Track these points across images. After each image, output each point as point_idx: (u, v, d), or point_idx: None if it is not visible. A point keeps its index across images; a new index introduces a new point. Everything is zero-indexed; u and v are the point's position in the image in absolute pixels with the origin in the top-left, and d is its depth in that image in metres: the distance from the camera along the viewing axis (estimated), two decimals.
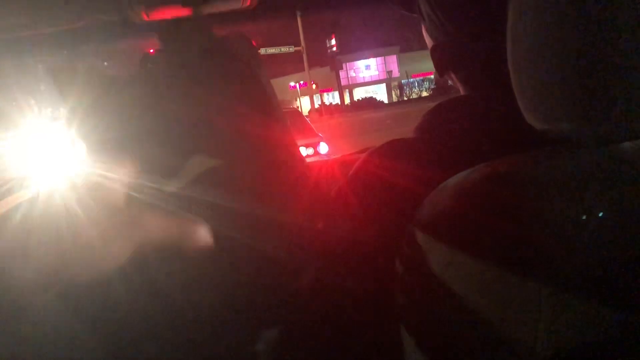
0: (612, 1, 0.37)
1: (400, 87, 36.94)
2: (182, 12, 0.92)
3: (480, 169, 0.47)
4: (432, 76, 37.17)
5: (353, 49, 37.29)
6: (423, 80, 36.19)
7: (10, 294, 0.77)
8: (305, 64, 23.81)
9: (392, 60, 37.05)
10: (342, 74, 35.82)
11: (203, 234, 1.22)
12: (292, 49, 22.31)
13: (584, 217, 0.39)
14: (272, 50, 20.76)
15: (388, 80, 37.51)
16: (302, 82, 28.94)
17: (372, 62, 37.99)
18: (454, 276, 0.44)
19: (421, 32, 0.77)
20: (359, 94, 38.42)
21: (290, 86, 32.12)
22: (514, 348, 0.39)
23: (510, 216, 0.41)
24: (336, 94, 36.95)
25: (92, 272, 1.05)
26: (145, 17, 0.91)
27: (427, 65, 35.82)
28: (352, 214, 0.64)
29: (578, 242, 0.38)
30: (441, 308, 0.45)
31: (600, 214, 0.39)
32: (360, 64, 38.08)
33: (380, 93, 38.03)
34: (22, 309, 0.78)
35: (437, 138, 0.65)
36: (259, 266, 1.36)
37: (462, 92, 0.74)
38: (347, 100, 36.46)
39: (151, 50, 1.26)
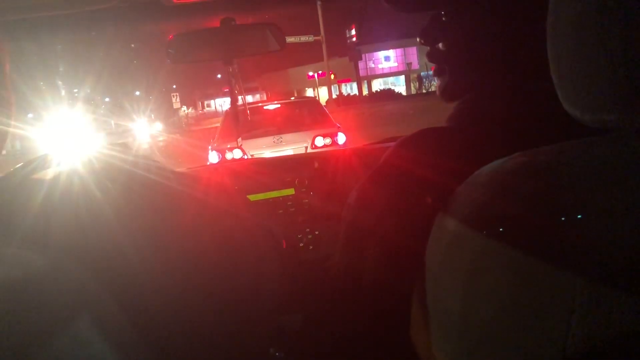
0: None
1: (420, 79, 36.60)
2: None
3: (516, 158, 0.46)
4: None
5: (373, 40, 36.95)
6: None
7: (34, 277, 0.78)
8: (324, 54, 23.70)
9: (412, 52, 36.67)
10: (360, 64, 35.60)
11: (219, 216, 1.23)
12: (311, 38, 22.20)
13: (622, 207, 0.38)
14: (291, 40, 20.67)
15: (407, 72, 37.18)
16: (320, 71, 28.82)
17: (392, 53, 37.66)
18: (487, 266, 0.43)
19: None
20: (377, 85, 38.19)
21: (309, 75, 32.04)
22: (546, 340, 0.38)
23: (546, 206, 0.40)
24: (354, 84, 36.77)
25: (113, 254, 1.06)
26: (174, 0, 0.92)
27: None
28: (380, 202, 0.63)
29: (616, 233, 0.37)
30: (473, 298, 0.44)
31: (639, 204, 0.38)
32: (380, 55, 37.79)
33: (398, 85, 37.76)
34: (49, 291, 0.79)
35: (472, 127, 0.64)
36: (280, 253, 1.37)
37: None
38: (365, 91, 36.30)
39: (170, 37, 1.27)
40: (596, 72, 0.40)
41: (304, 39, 21.87)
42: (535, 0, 0.61)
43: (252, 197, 1.46)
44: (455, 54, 0.73)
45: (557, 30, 0.43)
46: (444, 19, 0.75)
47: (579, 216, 0.39)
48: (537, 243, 0.40)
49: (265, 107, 6.57)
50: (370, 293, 0.63)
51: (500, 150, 0.49)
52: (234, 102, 1.49)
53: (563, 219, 0.39)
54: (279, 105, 6.59)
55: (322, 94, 30.06)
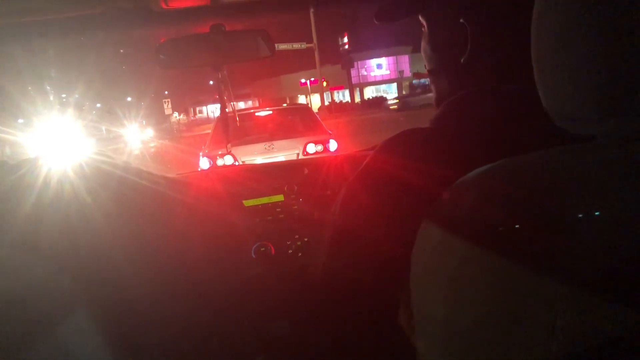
0: None
1: (412, 87, 36.78)
2: (201, 0, 0.92)
3: (500, 164, 0.46)
4: None
5: (365, 48, 37.15)
6: None
7: (22, 281, 0.78)
8: (317, 61, 23.71)
9: (404, 60, 36.88)
10: (353, 72, 35.72)
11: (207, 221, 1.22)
12: (304, 45, 22.23)
13: (604, 214, 0.38)
14: (283, 47, 20.69)
15: (399, 80, 37.36)
16: (312, 79, 28.85)
17: (384, 61, 37.84)
18: (470, 272, 0.44)
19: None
20: (370, 92, 38.34)
21: (301, 83, 32.08)
22: (530, 346, 0.39)
23: (530, 213, 0.41)
24: (347, 92, 36.86)
25: (102, 258, 1.06)
26: (163, 5, 0.92)
27: None
28: (364, 206, 0.63)
29: (598, 240, 0.37)
30: (456, 303, 0.45)
31: (620, 212, 0.38)
32: (372, 62, 37.95)
33: (390, 92, 37.90)
34: (37, 295, 0.79)
35: (455, 130, 0.64)
36: (269, 260, 1.37)
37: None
38: (357, 99, 36.41)
39: (160, 41, 1.27)
40: (579, 82, 0.41)
41: (296, 46, 21.89)
42: (517, 6, 0.62)
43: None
44: (438, 59, 0.73)
45: (541, 41, 0.44)
46: (423, 27, 0.75)
47: (562, 223, 0.39)
48: (520, 249, 0.40)
49: (257, 114, 6.56)
50: (355, 296, 0.63)
51: (483, 154, 0.50)
52: (223, 108, 1.49)
53: (546, 225, 0.39)
54: (271, 112, 6.58)
55: (315, 101, 30.09)
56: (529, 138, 0.52)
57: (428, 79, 0.79)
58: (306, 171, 1.52)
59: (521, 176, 0.44)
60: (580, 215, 0.39)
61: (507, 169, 0.46)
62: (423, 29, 0.76)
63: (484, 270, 0.43)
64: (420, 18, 0.76)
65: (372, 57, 37.73)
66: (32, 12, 0.89)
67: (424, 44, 0.76)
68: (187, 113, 52.71)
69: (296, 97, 36.28)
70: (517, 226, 0.41)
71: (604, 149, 0.43)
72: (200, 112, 55.43)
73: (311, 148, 5.47)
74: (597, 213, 0.39)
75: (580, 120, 0.43)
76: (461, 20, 0.68)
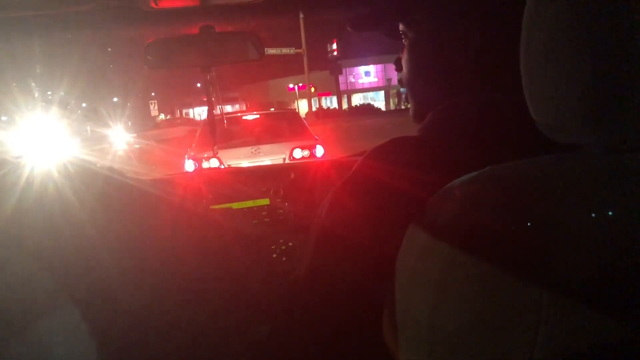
0: (625, 9, 0.37)
1: (399, 95, 36.98)
2: (192, 1, 0.92)
3: (486, 173, 0.47)
4: None
5: (353, 55, 37.28)
6: None
7: (6, 282, 0.76)
8: (305, 67, 23.73)
9: (392, 68, 36.96)
10: (341, 78, 35.83)
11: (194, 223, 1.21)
12: (292, 50, 22.27)
13: (588, 222, 0.39)
14: (272, 51, 20.70)
15: (387, 88, 37.57)
16: (300, 84, 28.88)
17: (372, 68, 38.03)
18: (455, 278, 0.44)
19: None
20: (357, 99, 38.48)
21: (289, 88, 32.10)
22: (512, 352, 0.39)
23: (515, 220, 0.41)
24: (334, 98, 36.96)
25: (86, 258, 1.04)
26: (153, 5, 0.91)
27: None
28: (352, 209, 0.63)
29: (582, 247, 0.38)
30: (441, 309, 0.45)
31: (604, 220, 0.39)
32: (360, 70, 38.11)
33: (378, 100, 38.11)
34: (21, 296, 0.77)
35: (443, 138, 0.65)
36: (253, 264, 1.36)
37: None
38: (344, 106, 36.55)
39: (149, 41, 1.26)
40: (565, 93, 0.41)
41: (285, 51, 21.93)
42: (502, 12, 0.63)
43: (226, 207, 1.45)
44: (417, 73, 0.74)
45: (529, 51, 0.45)
46: (404, 40, 0.75)
47: (548, 229, 0.39)
48: (505, 255, 0.41)
49: (244, 118, 6.54)
50: (338, 298, 0.63)
51: (471, 162, 0.50)
52: (211, 110, 1.48)
53: (531, 232, 0.40)
54: (258, 116, 6.57)
55: (302, 107, 30.10)
56: (517, 147, 0.53)
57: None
58: (292, 175, 1.52)
59: (507, 183, 0.45)
60: (565, 222, 0.39)
61: (493, 176, 0.47)
62: (404, 40, 0.76)
63: (469, 275, 0.43)
64: (401, 27, 0.76)
65: (360, 65, 37.90)
66: (17, 7, 0.88)
67: (406, 55, 0.76)
68: (173, 115, 52.39)
69: (284, 102, 36.29)
70: (502, 232, 0.42)
71: (590, 157, 0.44)
72: (187, 114, 55.12)
73: (298, 153, 5.47)
74: (582, 220, 0.39)
75: (566, 130, 0.43)
76: (459, 25, 0.68)
